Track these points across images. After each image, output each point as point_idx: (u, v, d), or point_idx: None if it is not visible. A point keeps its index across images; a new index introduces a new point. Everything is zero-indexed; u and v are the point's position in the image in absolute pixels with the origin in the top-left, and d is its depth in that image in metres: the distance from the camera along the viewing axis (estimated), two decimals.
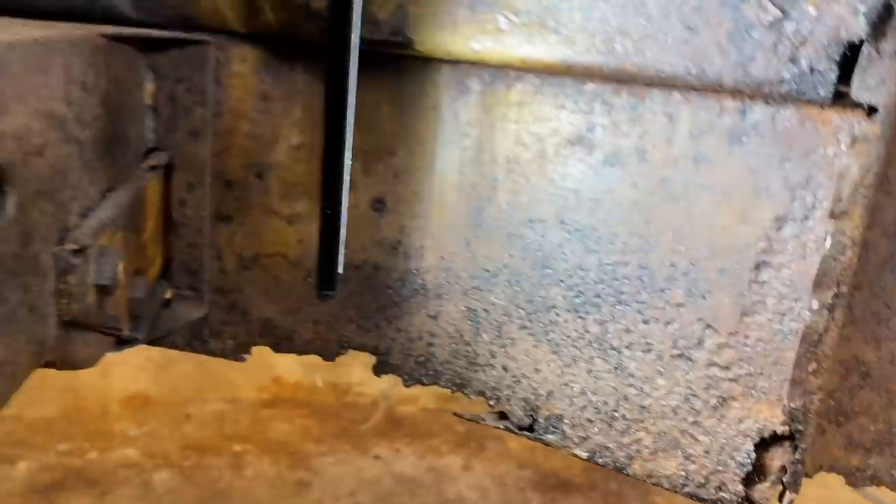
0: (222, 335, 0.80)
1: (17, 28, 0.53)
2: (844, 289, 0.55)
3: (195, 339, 0.81)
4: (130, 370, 2.24)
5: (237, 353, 0.80)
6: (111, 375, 2.23)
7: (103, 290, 0.57)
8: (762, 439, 0.62)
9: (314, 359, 0.79)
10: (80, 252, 0.52)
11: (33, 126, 0.46)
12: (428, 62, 0.67)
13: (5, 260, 0.43)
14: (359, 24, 0.46)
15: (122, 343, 0.70)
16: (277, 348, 0.79)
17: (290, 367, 2.30)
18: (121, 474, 1.93)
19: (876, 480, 0.64)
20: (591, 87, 0.63)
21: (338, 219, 0.51)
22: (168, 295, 0.80)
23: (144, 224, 0.72)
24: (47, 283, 0.50)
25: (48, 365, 0.56)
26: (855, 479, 0.64)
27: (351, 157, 0.52)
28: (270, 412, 2.21)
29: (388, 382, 1.94)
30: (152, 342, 0.79)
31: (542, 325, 0.70)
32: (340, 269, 0.55)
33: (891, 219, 0.58)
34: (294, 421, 2.19)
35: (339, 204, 0.50)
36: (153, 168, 0.73)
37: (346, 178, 0.52)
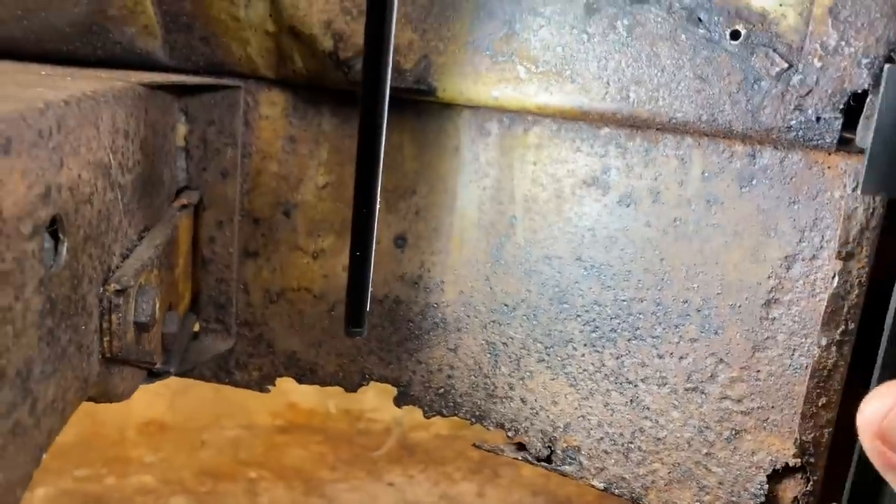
0: (248, 367, 0.82)
1: (66, 82, 0.56)
2: (853, 326, 0.58)
3: (221, 371, 0.83)
4: (147, 396, 2.26)
5: (262, 384, 0.83)
6: (128, 402, 2.25)
7: (142, 327, 0.59)
8: (774, 471, 0.64)
9: (333, 388, 0.81)
10: (122, 292, 0.55)
11: (84, 176, 0.49)
12: (449, 106, 0.71)
13: (59, 303, 0.46)
14: (389, 74, 0.49)
15: (154, 375, 0.73)
16: (301, 380, 0.82)
17: (305, 394, 2.31)
18: (137, 500, 1.95)
19: None
20: (606, 131, 0.66)
21: (367, 260, 0.53)
22: (196, 328, 0.83)
23: (176, 260, 0.75)
24: (92, 322, 0.53)
25: (90, 399, 0.59)
26: None
27: (379, 200, 0.55)
28: (285, 438, 2.23)
29: (403, 409, 1.96)
30: (181, 374, 0.82)
31: (559, 358, 0.72)
32: (367, 307, 0.58)
33: None
34: (308, 447, 2.20)
35: (369, 246, 0.53)
36: (184, 207, 0.77)
37: (376, 221, 0.54)
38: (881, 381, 0.51)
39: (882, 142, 0.48)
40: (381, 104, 0.49)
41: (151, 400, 2.26)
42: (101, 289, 0.55)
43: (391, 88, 0.68)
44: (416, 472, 2.15)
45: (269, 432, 2.24)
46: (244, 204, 0.78)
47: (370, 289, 0.58)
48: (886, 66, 0.47)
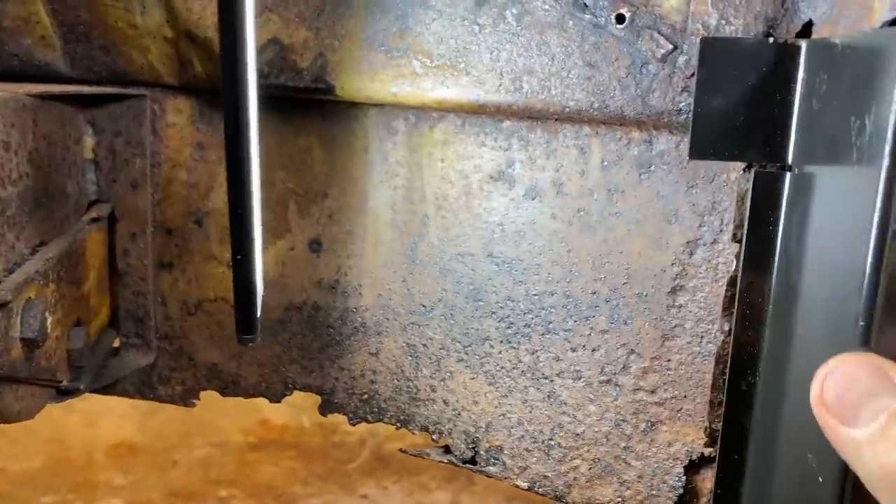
0: (171, 381, 0.81)
1: None
2: None
3: (144, 386, 0.81)
4: (116, 418, 2.24)
5: (186, 398, 0.81)
6: (97, 425, 2.22)
7: (30, 343, 0.58)
8: (691, 462, 0.63)
9: (301, 400, 0.79)
10: (1, 307, 0.54)
11: None
12: (354, 105, 0.69)
13: None
14: (250, 71, 0.48)
15: (63, 393, 0.71)
16: (225, 392, 0.80)
17: (278, 409, 2.29)
18: None
19: None
20: (508, 124, 0.65)
21: (251, 264, 0.52)
22: (116, 343, 0.81)
23: (85, 275, 0.73)
24: None
25: None
26: None
27: (260, 201, 0.53)
28: (257, 455, 2.20)
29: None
30: (101, 391, 0.80)
31: (477, 357, 0.71)
32: (259, 313, 0.56)
33: None
34: (281, 463, 2.18)
35: (251, 249, 0.52)
36: (95, 220, 0.75)
37: (256, 222, 0.53)
38: (766, 369, 0.50)
39: (701, 110, 0.48)
40: (244, 101, 0.48)
41: (120, 421, 2.23)
42: None
43: (289, 88, 0.67)
44: (390, 484, 2.13)
45: (240, 450, 2.22)
46: (156, 214, 0.76)
47: (260, 293, 0.56)
48: (700, 38, 0.47)
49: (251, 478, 2.12)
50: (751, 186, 0.49)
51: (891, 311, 0.41)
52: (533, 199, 0.65)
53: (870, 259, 0.42)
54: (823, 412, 0.38)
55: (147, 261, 0.77)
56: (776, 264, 0.50)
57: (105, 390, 0.81)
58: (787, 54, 0.48)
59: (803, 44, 0.48)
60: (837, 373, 0.38)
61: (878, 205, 0.40)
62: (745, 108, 0.49)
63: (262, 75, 0.67)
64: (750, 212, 0.50)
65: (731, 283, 0.54)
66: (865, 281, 0.42)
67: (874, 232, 0.41)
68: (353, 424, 0.78)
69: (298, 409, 2.28)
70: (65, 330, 0.68)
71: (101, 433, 2.21)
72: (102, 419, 2.23)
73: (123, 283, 0.79)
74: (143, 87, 0.73)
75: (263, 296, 0.76)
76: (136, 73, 0.72)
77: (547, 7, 0.59)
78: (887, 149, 0.40)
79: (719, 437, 0.52)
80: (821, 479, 0.43)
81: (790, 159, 0.49)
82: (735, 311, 0.50)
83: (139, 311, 0.79)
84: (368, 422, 0.77)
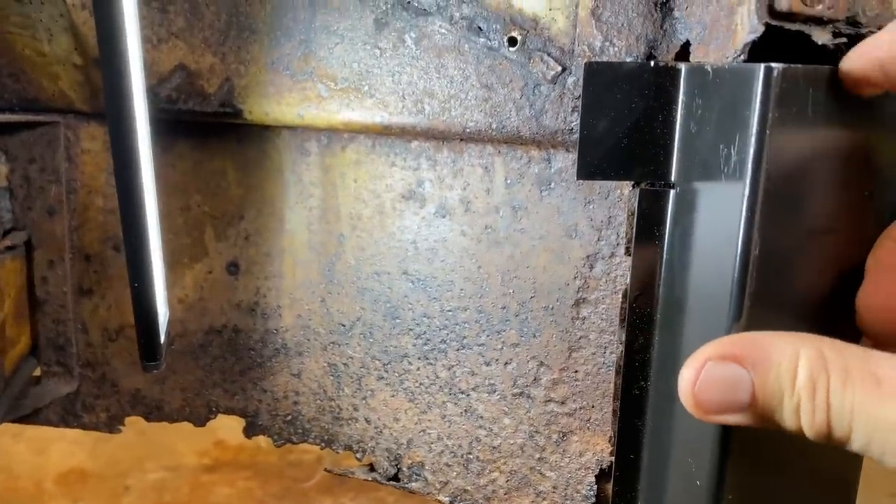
0: (95, 409, 0.80)
1: None
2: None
3: (69, 415, 0.81)
4: (66, 445, 2.19)
5: (111, 425, 0.80)
6: (46, 452, 2.18)
7: None
8: (602, 470, 0.64)
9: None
10: None
11: None
12: (267, 128, 0.70)
13: None
14: (135, 93, 0.48)
15: None
16: (149, 418, 0.79)
17: (233, 430, 2.26)
18: None
19: None
20: (415, 144, 0.66)
21: (148, 289, 0.52)
22: (37, 372, 0.80)
23: (1, 304, 0.72)
24: None
25: None
26: None
27: (157, 226, 0.54)
28: (212, 477, 2.18)
29: None
30: (23, 420, 0.79)
31: (397, 374, 0.72)
32: (163, 339, 0.56)
33: None
34: (236, 484, 2.15)
35: (147, 275, 0.52)
36: (10, 248, 0.75)
37: (154, 248, 0.53)
38: (656, 374, 0.51)
39: (587, 132, 0.50)
40: (131, 131, 0.48)
41: (71, 448, 2.19)
42: None
43: (198, 113, 0.68)
44: (347, 501, 2.12)
45: (195, 472, 2.19)
46: (74, 241, 0.76)
47: (163, 320, 0.57)
48: (585, 62, 0.49)
49: (206, 500, 2.09)
50: (636, 203, 0.51)
51: (755, 317, 0.43)
52: (443, 217, 0.67)
53: (736, 273, 0.44)
54: (711, 418, 0.40)
55: (66, 287, 0.77)
56: (662, 276, 0.52)
57: (27, 419, 0.80)
58: (667, 77, 0.50)
59: (682, 67, 0.50)
60: (700, 385, 0.39)
61: (741, 232, 0.42)
62: (629, 130, 0.51)
63: (170, 101, 0.67)
64: (636, 227, 0.51)
65: (625, 294, 0.55)
66: (733, 292, 0.44)
67: (739, 252, 0.43)
68: (278, 446, 0.78)
69: None
70: None
71: (51, 461, 2.16)
72: (53, 446, 2.19)
73: (43, 310, 0.78)
74: (56, 114, 0.73)
75: (181, 320, 0.76)
76: (47, 100, 0.72)
77: (443, 31, 0.60)
78: (747, 180, 0.42)
79: (615, 441, 0.54)
80: (698, 483, 0.45)
81: (673, 178, 0.51)
82: (626, 321, 0.52)
83: (60, 338, 0.79)
84: (293, 443, 0.77)
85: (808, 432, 0.37)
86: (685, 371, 0.39)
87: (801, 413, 0.37)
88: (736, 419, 0.39)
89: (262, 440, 0.80)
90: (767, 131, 0.41)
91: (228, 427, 0.77)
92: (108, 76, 0.46)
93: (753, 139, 0.42)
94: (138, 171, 0.48)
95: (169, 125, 0.69)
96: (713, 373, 0.39)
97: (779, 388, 0.38)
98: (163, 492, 2.12)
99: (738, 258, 0.44)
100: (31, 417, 0.80)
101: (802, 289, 0.44)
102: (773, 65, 0.41)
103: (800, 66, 0.42)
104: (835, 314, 0.44)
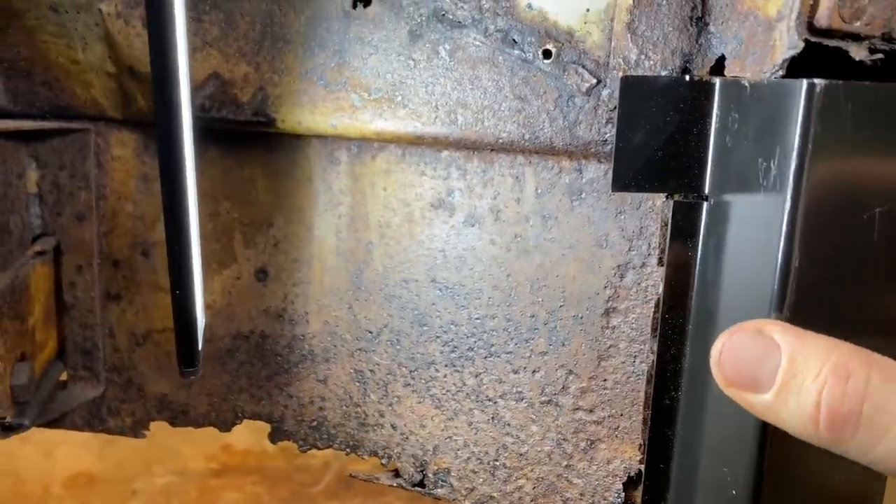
0: (120, 413, 0.81)
1: None
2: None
3: (94, 419, 0.81)
4: (74, 449, 2.20)
5: (136, 430, 0.81)
6: (54, 456, 2.18)
7: None
8: (629, 478, 0.65)
9: (264, 424, 0.80)
10: None
11: None
12: (297, 137, 0.71)
13: None
14: (183, 102, 0.49)
15: (7, 430, 0.71)
16: (174, 423, 0.80)
17: (240, 434, 2.26)
18: None
19: None
20: (446, 154, 0.67)
21: (189, 297, 0.53)
22: (64, 376, 0.81)
23: (30, 309, 0.73)
24: None
25: None
26: None
27: (199, 234, 0.54)
28: (219, 482, 2.18)
29: None
30: (49, 424, 0.80)
31: (423, 381, 0.72)
32: (200, 346, 0.57)
33: None
34: (244, 489, 2.15)
35: (189, 283, 0.53)
36: (40, 253, 0.75)
37: (195, 255, 0.54)
38: (687, 385, 0.52)
39: (623, 144, 0.50)
40: (178, 134, 0.49)
41: (78, 451, 2.19)
42: None
43: (231, 122, 0.69)
44: None
45: (202, 476, 2.19)
46: (102, 246, 0.77)
47: (201, 326, 0.57)
48: (621, 76, 0.50)
49: None
50: (670, 215, 0.52)
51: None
52: (472, 226, 0.67)
53: (776, 286, 0.44)
54: (733, 391, 0.41)
55: (94, 293, 0.77)
56: (695, 287, 0.52)
57: (53, 424, 0.80)
58: (701, 91, 0.51)
59: (717, 82, 0.51)
60: (726, 350, 0.40)
61: (782, 245, 0.43)
62: (664, 143, 0.52)
63: (203, 109, 0.68)
64: (669, 239, 0.52)
65: (658, 305, 0.56)
66: (771, 303, 0.44)
67: (778, 264, 0.44)
68: (303, 451, 0.78)
69: (261, 432, 2.27)
70: (8, 366, 0.67)
71: (59, 464, 2.16)
72: (60, 449, 2.19)
73: (70, 315, 0.79)
74: (87, 121, 0.74)
75: (209, 326, 0.77)
76: (79, 107, 0.72)
77: (478, 43, 0.61)
78: (789, 193, 0.43)
79: (645, 450, 0.54)
80: (734, 492, 0.45)
81: (706, 190, 0.52)
82: (658, 331, 0.53)
83: (87, 343, 0.79)
84: (318, 448, 0.78)
85: (824, 422, 0.37)
86: (721, 336, 0.41)
87: (824, 395, 0.37)
88: (757, 399, 0.39)
89: (269, 444, 0.81)
90: (809, 146, 0.42)
91: (236, 431, 0.78)
92: (160, 87, 0.47)
93: (795, 153, 0.43)
94: (184, 180, 0.48)
95: (199, 132, 0.70)
96: (746, 342, 0.40)
97: (805, 369, 0.38)
98: (170, 496, 2.12)
99: (777, 270, 0.44)
100: (57, 422, 0.81)
101: (841, 304, 0.45)
102: (816, 81, 0.42)
103: (840, 81, 0.42)
104: (873, 331, 0.45)
